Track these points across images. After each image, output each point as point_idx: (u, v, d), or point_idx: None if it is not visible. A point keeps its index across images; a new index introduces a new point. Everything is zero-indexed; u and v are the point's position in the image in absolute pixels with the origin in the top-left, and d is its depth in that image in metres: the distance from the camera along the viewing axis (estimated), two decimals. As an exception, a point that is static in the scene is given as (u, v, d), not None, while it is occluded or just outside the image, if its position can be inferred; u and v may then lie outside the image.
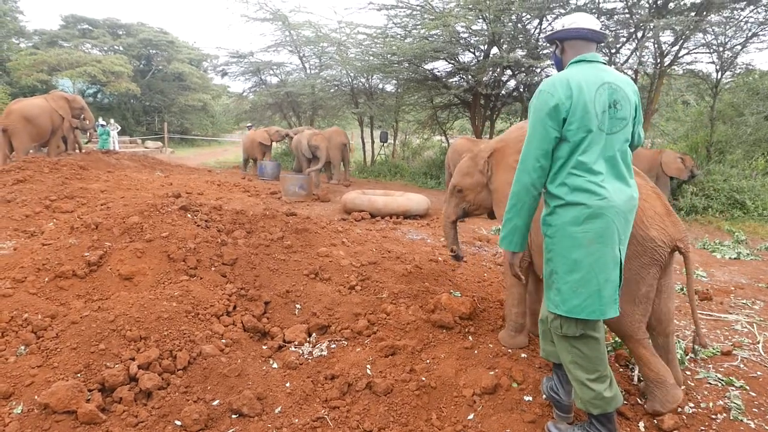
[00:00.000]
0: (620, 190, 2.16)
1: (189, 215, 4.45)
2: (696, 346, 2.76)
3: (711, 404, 2.77)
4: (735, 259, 6.53)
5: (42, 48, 24.01)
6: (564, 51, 2.35)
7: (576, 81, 2.14)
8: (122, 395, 2.52)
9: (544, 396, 2.61)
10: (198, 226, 4.31)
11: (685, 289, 4.90)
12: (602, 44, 2.39)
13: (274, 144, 14.77)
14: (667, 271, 2.79)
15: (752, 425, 2.60)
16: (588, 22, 2.28)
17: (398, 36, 12.74)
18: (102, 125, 16.90)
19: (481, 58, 12.03)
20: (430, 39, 11.25)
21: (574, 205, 2.14)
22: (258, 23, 16.96)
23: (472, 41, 11.80)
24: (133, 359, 2.73)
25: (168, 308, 3.13)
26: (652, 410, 2.60)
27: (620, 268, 2.17)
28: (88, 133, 12.99)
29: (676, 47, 10.22)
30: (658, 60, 10.31)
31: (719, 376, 3.08)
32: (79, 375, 2.59)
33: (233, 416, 2.50)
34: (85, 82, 24.33)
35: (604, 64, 2.27)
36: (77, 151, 12.19)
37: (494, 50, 11.66)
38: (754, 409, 2.75)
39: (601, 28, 2.30)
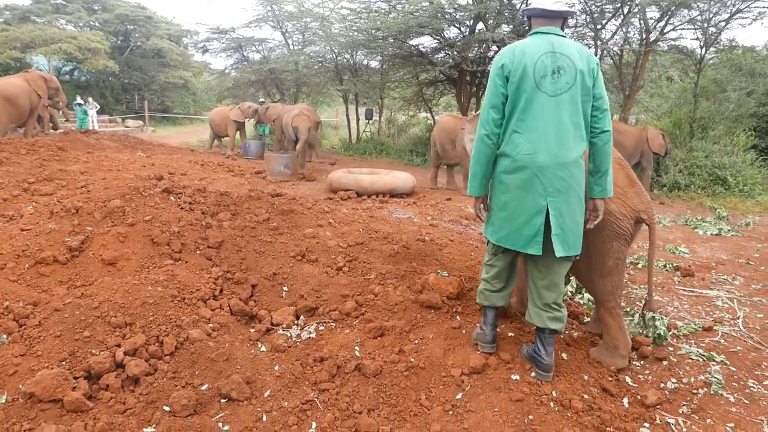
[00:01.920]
0: (550, 150, 2.43)
1: (172, 198, 4.38)
2: (645, 312, 3.12)
3: (693, 379, 2.84)
4: (716, 235, 6.64)
5: (14, 24, 23.08)
6: (531, 26, 2.66)
7: (521, 48, 2.49)
8: (109, 382, 2.48)
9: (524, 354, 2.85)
10: (182, 208, 4.25)
11: (668, 265, 4.98)
12: (569, 19, 2.64)
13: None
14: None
15: (732, 399, 2.67)
16: (544, 2, 2.54)
17: (382, 11, 12.48)
18: (80, 104, 16.44)
19: (467, 33, 11.89)
20: (414, 14, 11.04)
21: (505, 156, 2.54)
22: (239, -3, 16.53)
23: (457, 17, 11.62)
24: (119, 346, 2.69)
25: (153, 293, 3.09)
26: (592, 357, 2.96)
27: (546, 216, 2.46)
28: (61, 112, 12.63)
29: (662, 23, 10.19)
30: (644, 36, 10.29)
31: (701, 351, 3.15)
32: (64, 363, 2.55)
33: (222, 401, 2.49)
34: (60, 59, 23.51)
35: (561, 36, 2.53)
36: (54, 129, 11.89)
37: (480, 26, 11.51)
38: (734, 384, 2.82)
39: (567, 4, 2.54)
